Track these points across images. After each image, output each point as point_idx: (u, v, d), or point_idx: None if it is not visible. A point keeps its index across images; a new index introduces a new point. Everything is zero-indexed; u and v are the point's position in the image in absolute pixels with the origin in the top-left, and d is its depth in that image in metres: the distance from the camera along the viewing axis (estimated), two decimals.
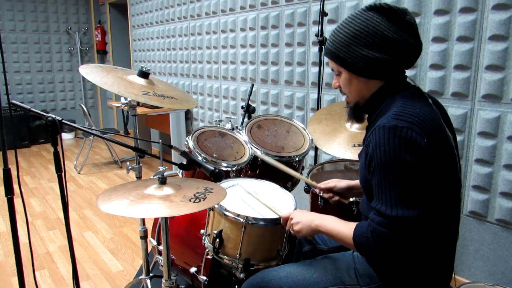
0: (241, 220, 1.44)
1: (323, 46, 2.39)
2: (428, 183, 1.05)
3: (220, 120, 2.22)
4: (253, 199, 1.60)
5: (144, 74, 1.61)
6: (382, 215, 1.05)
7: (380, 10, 1.12)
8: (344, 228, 1.16)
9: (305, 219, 1.28)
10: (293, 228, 1.30)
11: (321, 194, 1.68)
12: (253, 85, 2.71)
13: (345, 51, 1.14)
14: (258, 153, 1.63)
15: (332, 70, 1.24)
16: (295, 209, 1.54)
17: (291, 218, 1.32)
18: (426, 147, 1.03)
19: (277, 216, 1.47)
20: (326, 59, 1.46)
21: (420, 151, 1.02)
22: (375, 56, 1.10)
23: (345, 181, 1.61)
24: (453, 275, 1.24)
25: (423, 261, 1.15)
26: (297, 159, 2.00)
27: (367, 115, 1.28)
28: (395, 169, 1.03)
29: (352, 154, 2.00)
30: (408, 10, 1.13)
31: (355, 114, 1.27)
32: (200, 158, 1.84)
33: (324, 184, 1.64)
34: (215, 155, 1.90)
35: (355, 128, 1.98)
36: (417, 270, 1.16)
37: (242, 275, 1.49)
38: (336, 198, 1.62)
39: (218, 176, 1.39)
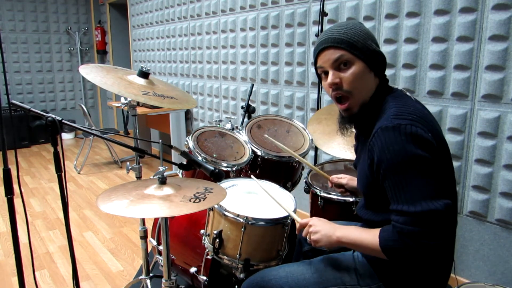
0: (241, 220, 1.44)
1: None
2: (443, 174, 1.04)
3: (220, 120, 2.23)
4: (254, 199, 1.60)
5: (144, 74, 1.61)
6: (406, 214, 1.02)
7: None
8: (368, 236, 1.11)
9: (325, 229, 1.19)
10: (311, 237, 1.22)
11: (333, 188, 1.62)
12: (253, 85, 2.71)
13: (362, 43, 1.15)
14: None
15: (336, 61, 1.14)
16: (295, 209, 1.55)
17: (310, 226, 1.23)
18: (433, 140, 1.04)
19: (277, 217, 1.47)
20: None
21: (428, 144, 1.03)
22: (382, 54, 1.19)
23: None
24: (454, 276, 1.24)
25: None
26: (297, 159, 2.00)
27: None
28: (409, 166, 1.02)
29: (352, 154, 2.00)
30: None
31: (356, 118, 1.21)
32: (200, 158, 1.84)
33: (337, 179, 1.59)
34: (215, 155, 1.90)
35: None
36: (418, 269, 1.16)
37: (242, 275, 1.49)
38: (347, 193, 1.58)
39: (218, 176, 1.38)
